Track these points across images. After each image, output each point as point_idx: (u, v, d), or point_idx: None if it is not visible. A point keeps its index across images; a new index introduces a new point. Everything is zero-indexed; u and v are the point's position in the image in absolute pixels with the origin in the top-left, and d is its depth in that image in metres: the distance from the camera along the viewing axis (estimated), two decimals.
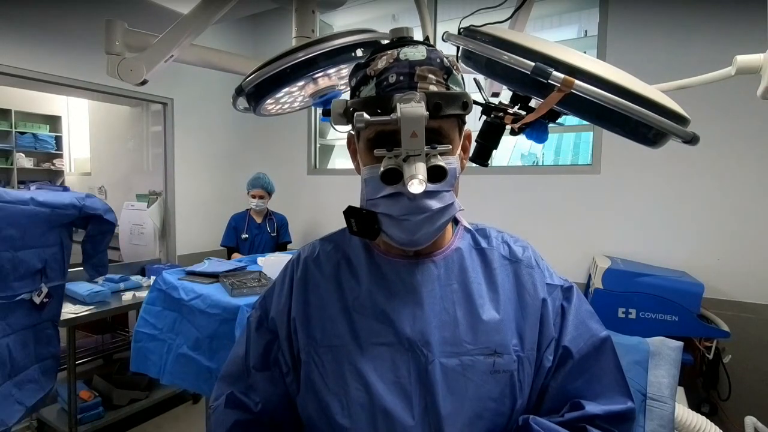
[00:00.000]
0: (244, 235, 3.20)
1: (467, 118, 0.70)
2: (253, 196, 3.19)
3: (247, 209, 3.28)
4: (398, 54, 0.66)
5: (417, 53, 0.65)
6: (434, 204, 0.65)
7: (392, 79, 0.64)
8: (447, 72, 0.66)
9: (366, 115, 0.61)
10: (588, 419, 0.65)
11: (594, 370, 0.70)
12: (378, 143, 0.64)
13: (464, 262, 0.74)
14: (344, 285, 0.74)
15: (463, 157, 0.73)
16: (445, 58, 0.68)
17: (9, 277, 1.71)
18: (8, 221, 1.67)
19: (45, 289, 1.83)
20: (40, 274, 1.82)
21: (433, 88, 0.64)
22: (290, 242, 3.38)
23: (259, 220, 3.28)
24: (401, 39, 0.71)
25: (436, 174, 0.62)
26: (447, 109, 0.63)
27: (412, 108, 0.59)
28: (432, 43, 0.79)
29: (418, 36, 0.78)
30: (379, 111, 0.62)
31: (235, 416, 0.74)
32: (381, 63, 0.66)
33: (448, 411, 0.64)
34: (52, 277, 1.86)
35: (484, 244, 0.77)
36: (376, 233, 0.69)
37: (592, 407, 0.66)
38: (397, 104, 0.60)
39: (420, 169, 0.60)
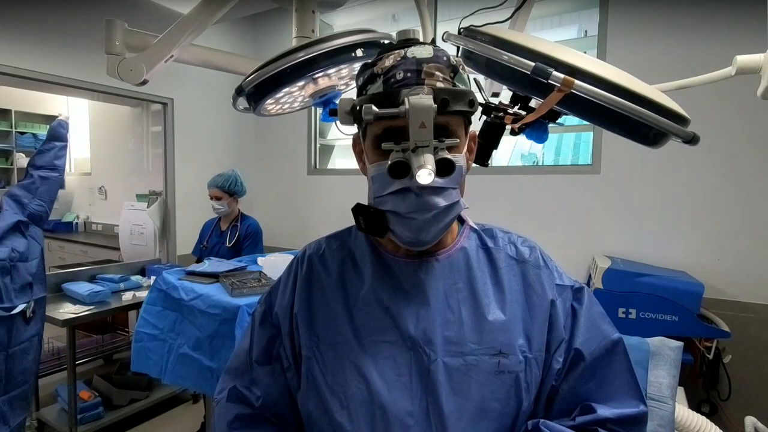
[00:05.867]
0: (204, 244, 2.79)
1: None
2: (210, 197, 2.71)
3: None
4: (405, 52, 0.66)
5: (424, 51, 0.66)
6: (441, 201, 0.64)
7: (399, 75, 0.64)
8: (453, 70, 0.67)
9: (374, 108, 0.61)
10: (600, 423, 0.64)
11: (606, 373, 0.69)
12: (385, 139, 0.64)
13: (470, 261, 0.73)
14: (348, 283, 0.74)
15: (468, 157, 0.73)
16: (452, 57, 0.68)
17: (9, 288, 1.73)
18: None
19: (32, 304, 1.84)
20: (30, 287, 1.83)
21: (440, 84, 0.64)
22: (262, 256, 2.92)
23: (223, 227, 2.79)
24: (408, 40, 0.71)
25: (444, 167, 0.61)
26: (454, 105, 0.63)
27: (421, 99, 0.59)
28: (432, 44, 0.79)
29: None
30: (386, 106, 0.62)
31: (237, 410, 0.74)
32: (388, 61, 0.66)
33: (451, 410, 0.64)
34: (36, 291, 1.86)
35: (490, 244, 0.76)
36: (384, 230, 0.69)
37: (603, 410, 0.65)
38: (405, 98, 0.60)
39: (429, 159, 0.59)
